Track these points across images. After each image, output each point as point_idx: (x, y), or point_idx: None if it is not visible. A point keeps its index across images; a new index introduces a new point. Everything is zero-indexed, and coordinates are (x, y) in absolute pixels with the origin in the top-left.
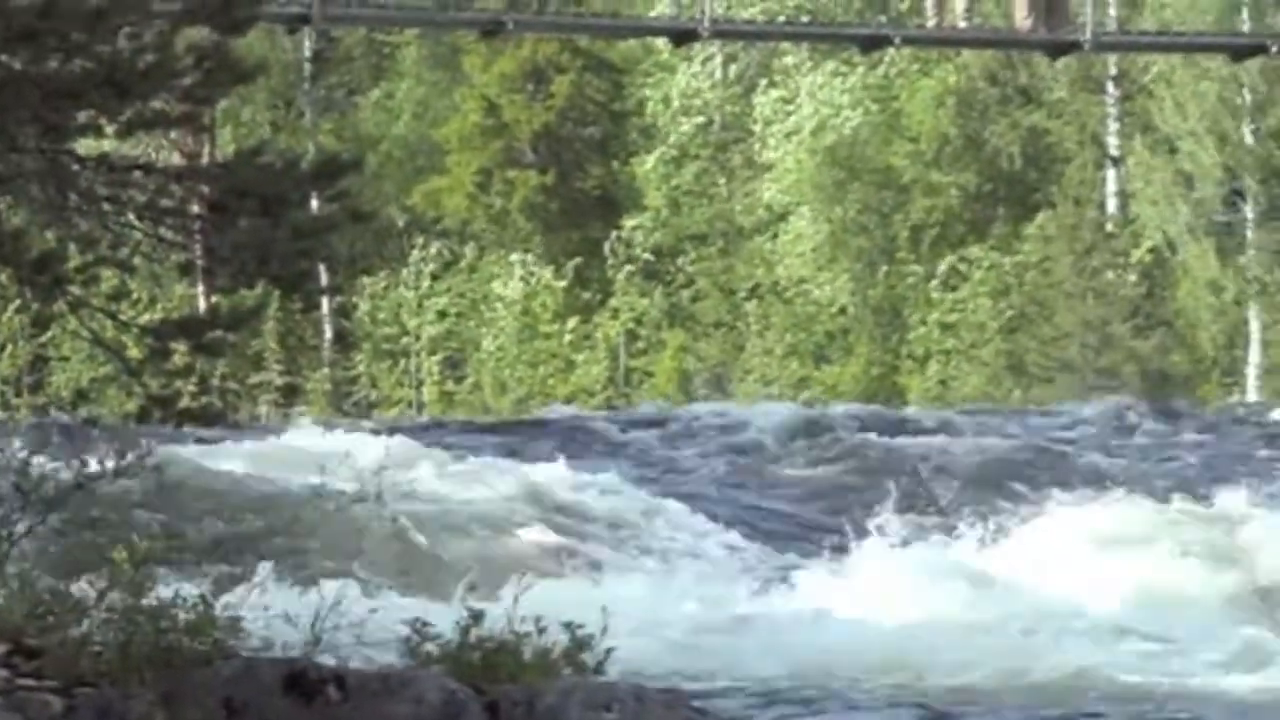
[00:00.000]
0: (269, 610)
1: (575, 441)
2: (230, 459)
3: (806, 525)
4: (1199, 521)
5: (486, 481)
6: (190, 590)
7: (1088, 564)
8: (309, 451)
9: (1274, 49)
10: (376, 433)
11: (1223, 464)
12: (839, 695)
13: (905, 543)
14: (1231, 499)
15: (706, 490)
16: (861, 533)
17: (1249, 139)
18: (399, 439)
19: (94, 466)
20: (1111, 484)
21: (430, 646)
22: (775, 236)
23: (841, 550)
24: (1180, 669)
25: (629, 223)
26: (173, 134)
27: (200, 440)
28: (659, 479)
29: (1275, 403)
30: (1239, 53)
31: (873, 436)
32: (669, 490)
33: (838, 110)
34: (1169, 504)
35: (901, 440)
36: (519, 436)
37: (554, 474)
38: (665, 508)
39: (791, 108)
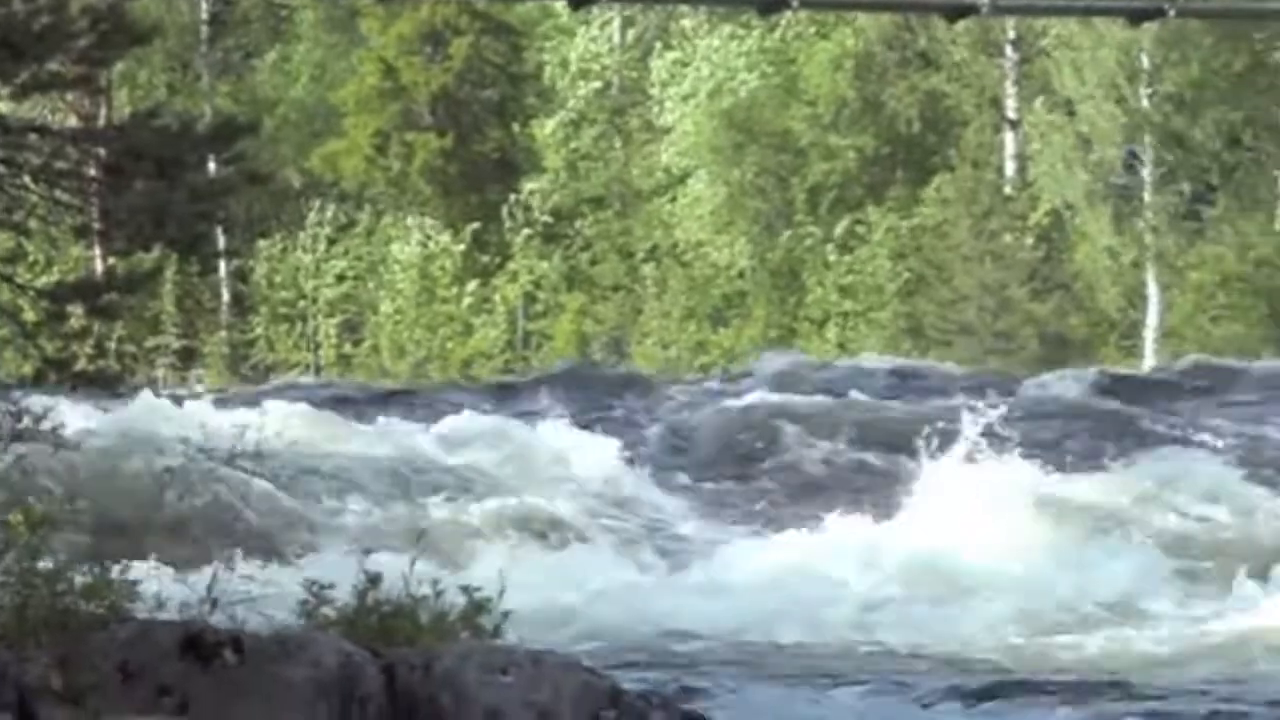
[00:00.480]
0: (163, 571)
1: (477, 403)
2: (116, 421)
3: (713, 493)
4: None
5: (383, 443)
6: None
7: (987, 532)
8: (191, 413)
9: (1171, 12)
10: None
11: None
12: (733, 660)
13: (806, 512)
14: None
15: (614, 457)
16: (765, 502)
17: (1146, 103)
18: (290, 399)
19: None
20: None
21: (327, 609)
22: (673, 200)
23: (744, 519)
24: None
25: (528, 186)
26: (68, 96)
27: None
28: (566, 443)
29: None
30: (1137, 16)
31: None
32: (575, 456)
33: (734, 73)
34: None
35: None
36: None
37: (452, 435)
38: (569, 474)
39: (689, 70)
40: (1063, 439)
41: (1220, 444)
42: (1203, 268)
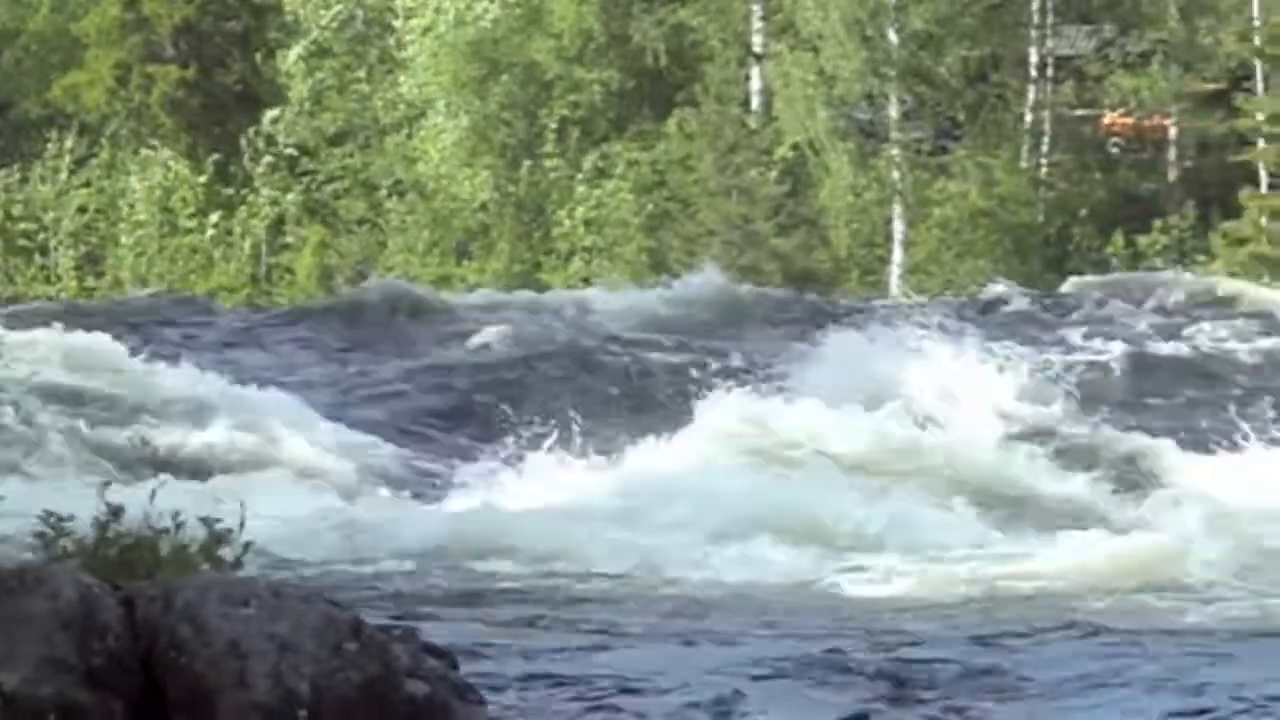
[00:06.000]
0: None
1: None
2: None
3: (464, 420)
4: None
5: (127, 374)
6: None
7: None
8: None
9: None
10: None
11: None
12: (481, 591)
13: (559, 440)
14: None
15: (349, 386)
16: (518, 429)
17: (894, 39)
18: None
19: None
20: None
21: (66, 542)
22: (415, 133)
23: (496, 448)
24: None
25: (269, 116)
26: None
27: None
28: (299, 375)
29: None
30: None
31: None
32: (311, 387)
33: (475, 3)
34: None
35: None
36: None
37: (201, 368)
38: (307, 404)
39: (430, 0)
40: None
41: None
42: (947, 204)
